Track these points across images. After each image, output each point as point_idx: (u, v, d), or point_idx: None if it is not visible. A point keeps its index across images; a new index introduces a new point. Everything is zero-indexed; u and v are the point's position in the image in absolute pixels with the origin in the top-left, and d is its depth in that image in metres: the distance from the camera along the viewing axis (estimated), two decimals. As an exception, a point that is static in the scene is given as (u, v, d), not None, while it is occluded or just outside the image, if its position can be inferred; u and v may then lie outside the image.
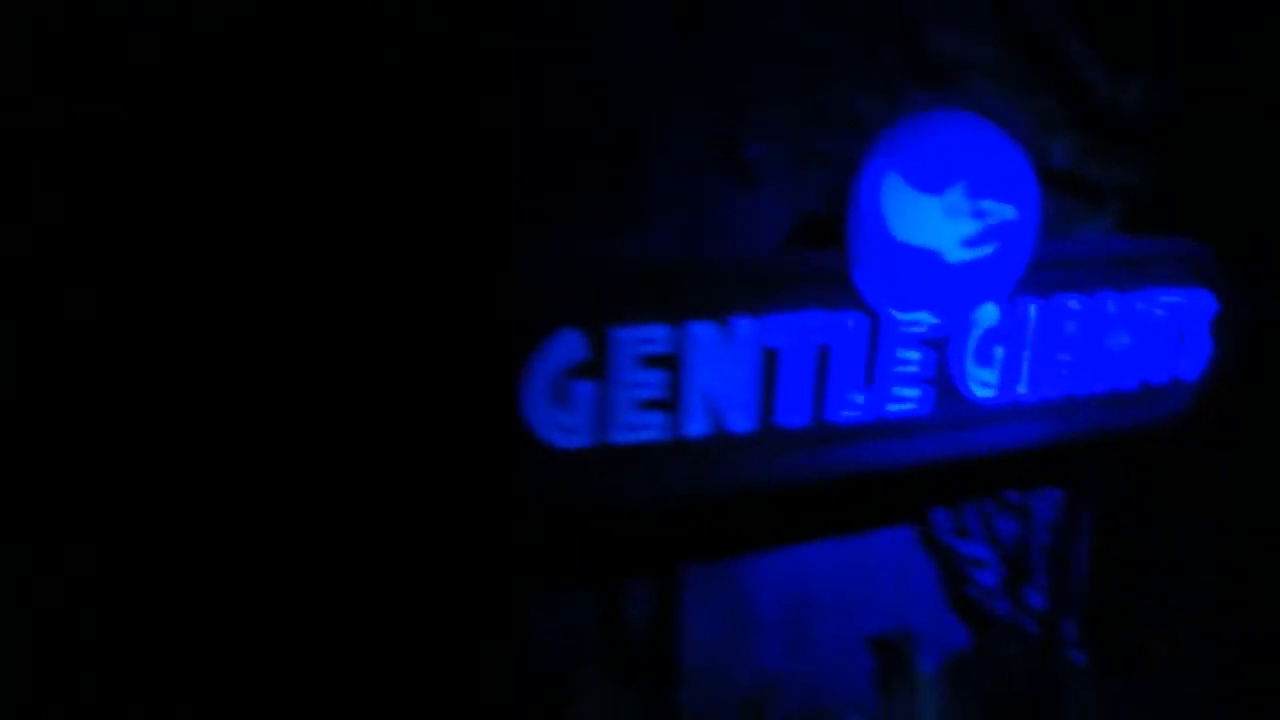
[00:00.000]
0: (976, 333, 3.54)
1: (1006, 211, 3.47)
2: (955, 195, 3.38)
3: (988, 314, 3.54)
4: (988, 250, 3.47)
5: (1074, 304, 3.70)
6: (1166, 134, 4.15)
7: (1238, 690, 4.71)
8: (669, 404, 3.17)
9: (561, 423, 3.05)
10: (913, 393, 3.49)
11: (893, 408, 3.47)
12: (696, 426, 3.22)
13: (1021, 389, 3.68)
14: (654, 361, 3.13)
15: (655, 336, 3.12)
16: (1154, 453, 4.39)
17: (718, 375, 3.20)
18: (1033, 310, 3.63)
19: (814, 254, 3.33)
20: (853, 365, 3.37)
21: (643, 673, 3.88)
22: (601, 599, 3.80)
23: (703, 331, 3.16)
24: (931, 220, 3.37)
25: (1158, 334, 3.90)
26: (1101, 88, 4.01)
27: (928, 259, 3.39)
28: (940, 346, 3.51)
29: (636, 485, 3.21)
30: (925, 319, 3.44)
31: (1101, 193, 4.15)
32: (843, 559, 4.16)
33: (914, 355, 3.46)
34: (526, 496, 3.12)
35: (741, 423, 3.27)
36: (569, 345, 3.02)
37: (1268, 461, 4.74)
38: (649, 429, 3.16)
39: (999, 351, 3.60)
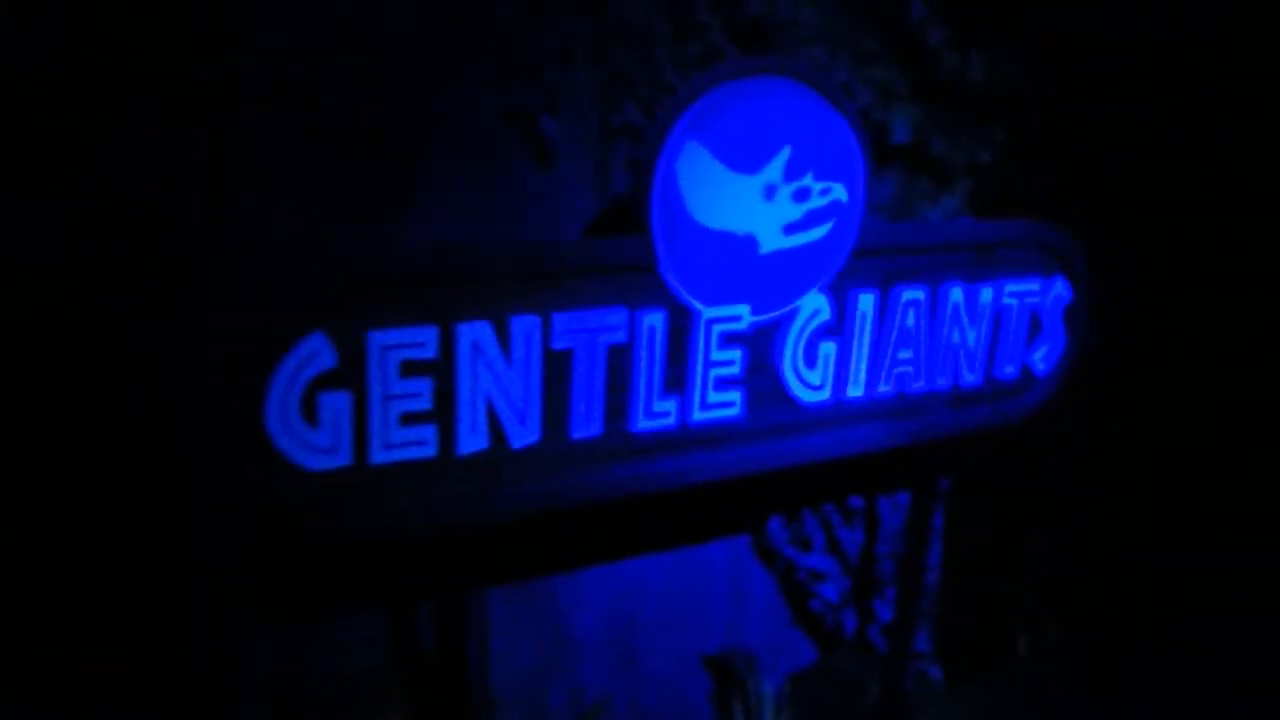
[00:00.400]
0: (802, 329, 3.14)
1: (836, 192, 3.06)
2: (772, 173, 2.96)
3: (814, 307, 3.14)
4: (814, 236, 3.06)
5: (914, 294, 3.30)
6: (1018, 109, 3.78)
7: (1098, 687, 4.48)
8: (439, 417, 2.74)
9: (311, 442, 2.61)
10: (731, 397, 3.08)
11: (707, 415, 3.06)
12: (473, 442, 2.79)
13: (855, 389, 3.28)
14: (419, 368, 2.69)
15: (420, 340, 2.67)
16: (1006, 447, 4.05)
17: (496, 383, 2.77)
18: (867, 302, 3.23)
19: (609, 242, 2.88)
20: (658, 369, 2.95)
21: (445, 699, 3.46)
22: (395, 622, 3.34)
23: (476, 333, 2.72)
24: (745, 203, 2.95)
25: (1008, 326, 3.53)
26: (947, 58, 3.62)
27: (741, 246, 2.97)
28: (761, 344, 3.10)
29: (408, 509, 2.77)
30: (742, 314, 3.02)
31: (948, 170, 3.77)
32: (671, 573, 3.76)
33: (731, 356, 3.05)
34: (275, 523, 2.67)
35: (526, 436, 2.84)
36: (315, 352, 2.57)
37: (1126, 453, 4.46)
38: (417, 446, 2.73)
39: (828, 349, 3.20)
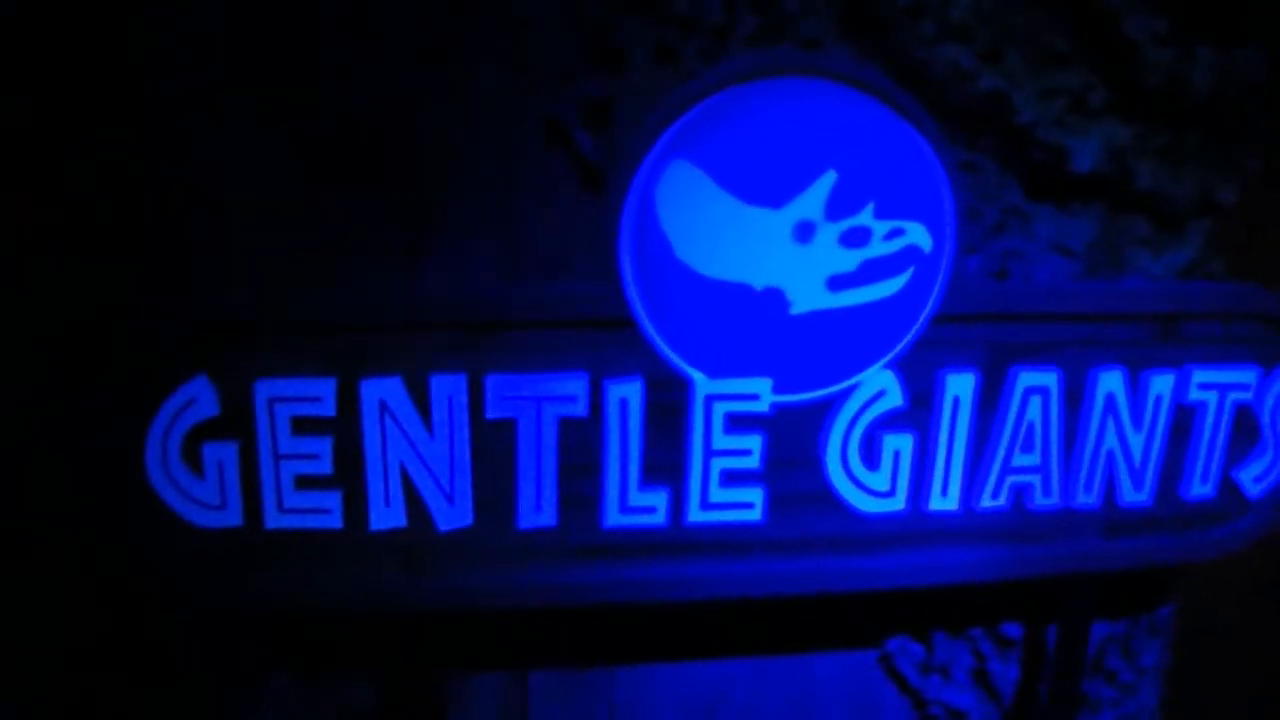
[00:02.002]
0: (857, 415, 2.34)
1: (912, 234, 2.25)
2: (808, 207, 2.20)
3: (877, 387, 2.33)
4: (877, 293, 2.27)
5: (1040, 379, 2.40)
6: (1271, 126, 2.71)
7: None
8: (344, 484, 2.24)
9: (194, 494, 2.23)
10: (747, 496, 2.35)
11: (712, 516, 2.34)
12: (388, 518, 2.27)
13: (945, 501, 2.43)
14: (317, 426, 2.21)
15: (314, 394, 2.19)
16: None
17: (413, 452, 2.23)
18: (962, 385, 2.37)
19: (569, 289, 2.26)
20: (635, 452, 2.28)
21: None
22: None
23: (384, 391, 2.20)
24: (766, 246, 2.21)
25: (1200, 429, 2.52)
26: (1159, 57, 2.62)
27: (760, 303, 2.24)
28: (795, 431, 2.34)
29: (315, 583, 2.32)
30: (761, 392, 2.28)
31: (1173, 209, 2.74)
32: (763, 685, 3.00)
33: (746, 443, 2.31)
34: (165, 582, 2.33)
35: (453, 519, 2.27)
36: (196, 397, 2.18)
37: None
38: (318, 514, 2.26)
39: (900, 444, 2.38)
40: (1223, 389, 2.51)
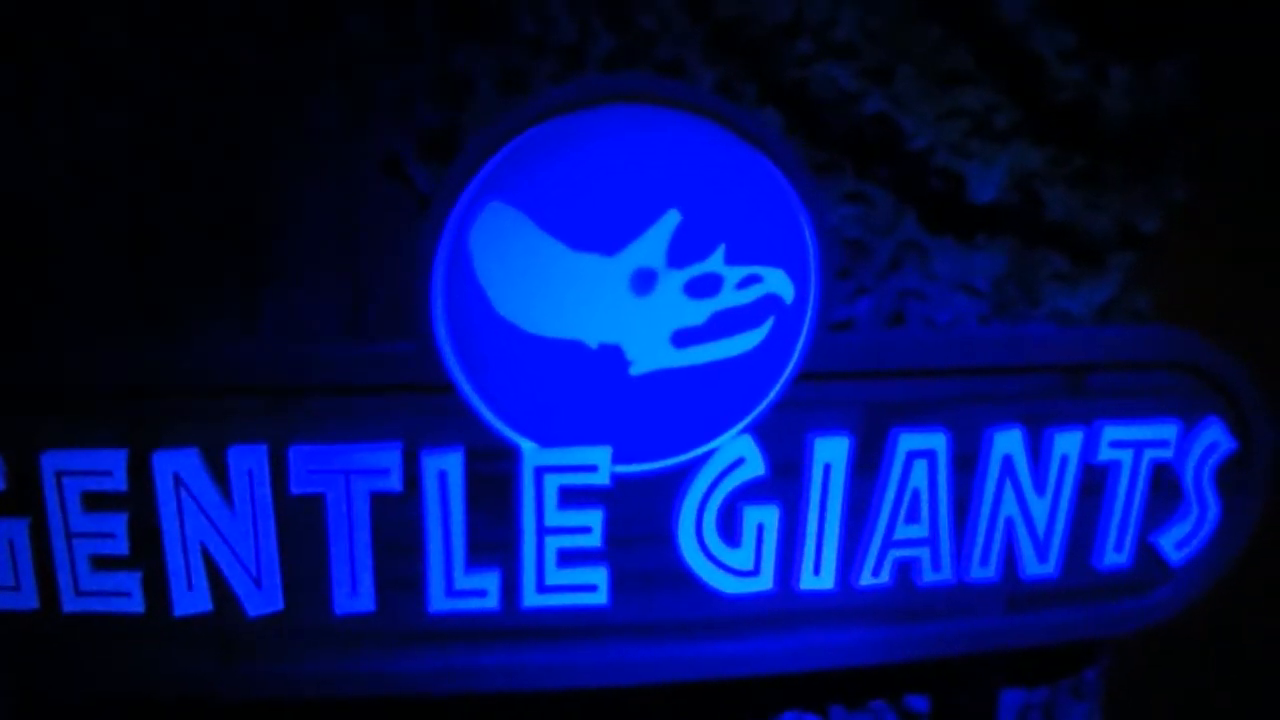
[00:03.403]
0: (712, 486, 2.10)
1: (771, 282, 2.00)
2: (646, 253, 1.96)
3: (734, 455, 2.09)
4: (731, 349, 2.02)
5: (926, 441, 2.14)
6: (1193, 151, 2.44)
7: None
8: (142, 565, 2.04)
9: None
10: (589, 578, 2.11)
11: (550, 600, 2.11)
12: (193, 603, 2.06)
13: (818, 579, 2.18)
14: (109, 502, 2.01)
15: (104, 467, 1.99)
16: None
17: (213, 530, 2.03)
18: (834, 451, 2.12)
19: (378, 351, 2.02)
20: (459, 530, 2.05)
21: None
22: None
23: (178, 464, 1.99)
24: (598, 297, 1.97)
25: (1113, 491, 2.26)
26: (1069, 77, 2.35)
27: (594, 362, 2.00)
28: (642, 505, 2.10)
29: (124, 673, 2.13)
30: (599, 463, 2.04)
31: (1092, 242, 2.48)
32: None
33: (585, 520, 2.07)
34: None
35: (262, 604, 2.07)
36: None
37: None
38: (117, 597, 2.07)
39: (763, 517, 2.13)
40: (1138, 446, 2.24)
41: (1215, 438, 2.28)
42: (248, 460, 1.99)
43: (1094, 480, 2.25)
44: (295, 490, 2.01)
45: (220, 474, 2.00)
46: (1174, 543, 2.33)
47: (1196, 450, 2.28)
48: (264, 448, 1.99)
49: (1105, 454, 2.23)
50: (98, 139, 2.21)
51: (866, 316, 2.41)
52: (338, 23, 2.22)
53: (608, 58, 2.27)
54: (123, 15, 2.16)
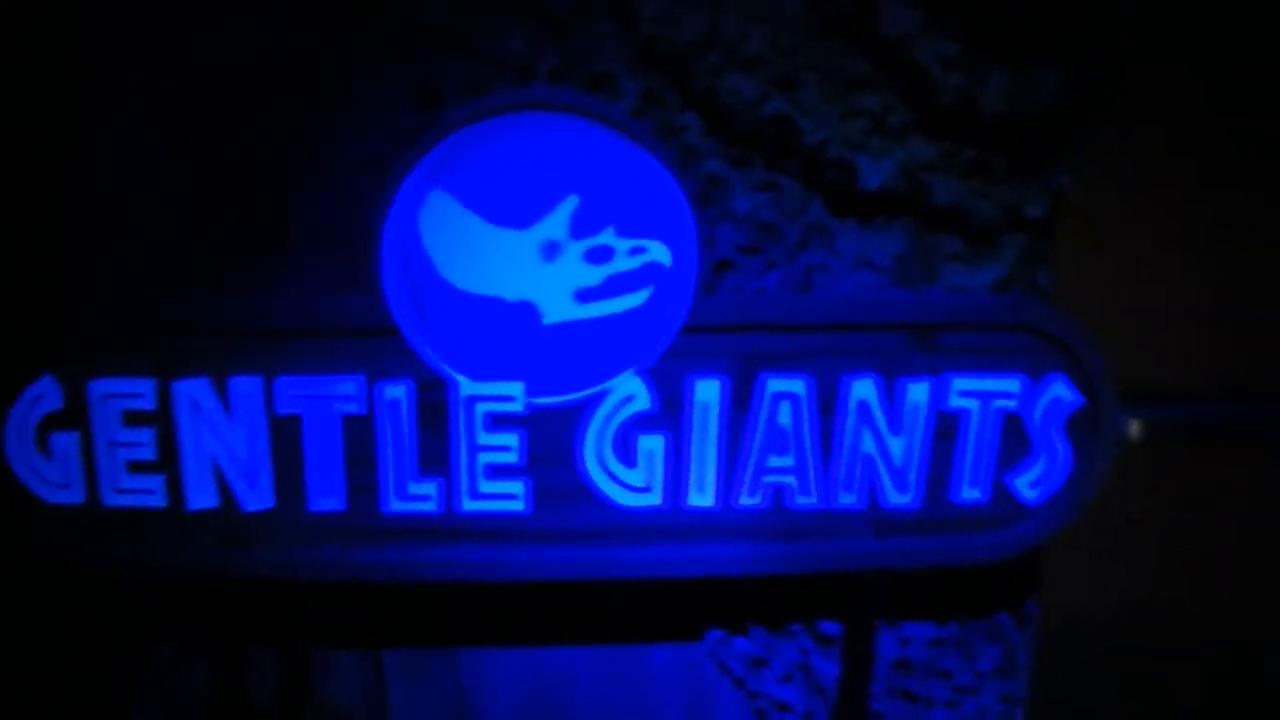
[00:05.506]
0: (608, 417, 2.81)
1: (654, 252, 2.71)
2: (553, 228, 2.68)
3: (626, 392, 2.79)
4: (621, 305, 2.73)
5: (789, 386, 2.79)
6: (1067, 141, 3.03)
7: None
8: (166, 469, 2.83)
9: (45, 475, 2.85)
10: (510, 488, 2.82)
11: (481, 506, 2.84)
12: (200, 498, 2.83)
13: (701, 498, 2.85)
14: (142, 419, 2.80)
15: (138, 391, 2.78)
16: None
17: (220, 443, 2.80)
18: (708, 391, 2.78)
19: (345, 302, 2.77)
20: (408, 446, 2.80)
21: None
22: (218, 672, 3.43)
23: (193, 391, 2.76)
24: (516, 264, 2.69)
25: (965, 436, 2.86)
26: (952, 80, 2.98)
27: (515, 315, 2.72)
28: (554, 431, 2.81)
29: (145, 554, 2.91)
30: (515, 395, 2.77)
31: (984, 227, 3.08)
32: (608, 673, 3.46)
33: (506, 440, 2.80)
34: (20, 550, 2.97)
35: (256, 501, 2.83)
36: (44, 394, 2.80)
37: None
38: (146, 494, 2.85)
39: (653, 445, 2.82)
40: (985, 397, 2.80)
41: (1060, 393, 2.81)
42: (244, 388, 2.74)
43: (947, 425, 2.81)
44: (281, 411, 2.76)
45: (225, 398, 2.77)
46: (1028, 483, 2.87)
47: (1042, 403, 2.81)
48: (259, 379, 2.75)
49: (955, 402, 2.79)
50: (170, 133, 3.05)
51: (776, 287, 3.08)
52: (334, 40, 3.02)
53: (553, 71, 3.01)
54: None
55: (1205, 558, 3.62)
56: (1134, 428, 3.49)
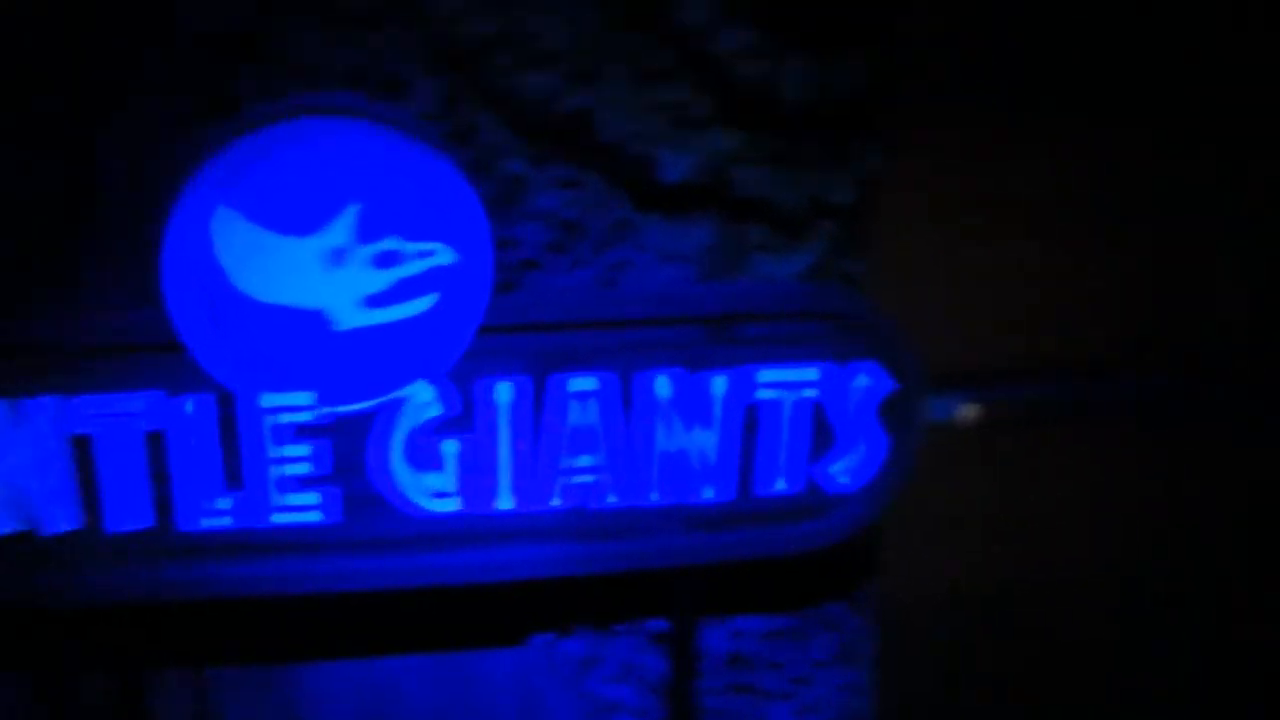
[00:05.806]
0: (401, 423, 2.81)
1: (439, 255, 2.71)
2: (337, 235, 2.68)
3: (424, 397, 2.80)
4: (410, 309, 2.73)
5: (586, 384, 2.79)
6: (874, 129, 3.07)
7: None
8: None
9: None
10: (307, 500, 2.82)
11: (280, 519, 2.84)
12: (4, 522, 2.82)
13: (504, 501, 2.87)
14: (-59, 441, 2.79)
15: (-70, 410, 2.78)
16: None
17: (18, 465, 2.79)
18: (503, 393, 2.80)
19: (137, 317, 2.76)
20: (205, 462, 2.79)
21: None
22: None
23: (-10, 412, 2.76)
24: (304, 271, 2.70)
25: (771, 427, 2.88)
26: (752, 71, 3.01)
27: (308, 323, 2.73)
28: (351, 440, 2.82)
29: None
30: (303, 404, 2.77)
31: (790, 216, 3.10)
32: (434, 681, 3.46)
33: (299, 451, 2.79)
34: None
35: (57, 523, 2.82)
36: None
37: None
38: (-49, 526, 2.82)
39: (451, 449, 2.83)
40: (790, 387, 2.81)
41: (868, 380, 2.83)
42: (39, 409, 2.71)
43: (754, 418, 2.82)
44: (78, 430, 2.74)
45: (17, 419, 2.73)
46: (840, 472, 2.89)
47: (849, 391, 2.82)
48: (52, 399, 2.70)
49: (761, 394, 2.80)
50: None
51: (584, 284, 3.09)
52: (136, 61, 3.00)
53: (348, 73, 3.01)
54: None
55: (1037, 537, 3.64)
56: (966, 412, 3.50)
